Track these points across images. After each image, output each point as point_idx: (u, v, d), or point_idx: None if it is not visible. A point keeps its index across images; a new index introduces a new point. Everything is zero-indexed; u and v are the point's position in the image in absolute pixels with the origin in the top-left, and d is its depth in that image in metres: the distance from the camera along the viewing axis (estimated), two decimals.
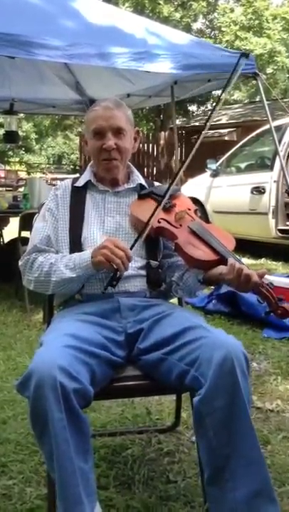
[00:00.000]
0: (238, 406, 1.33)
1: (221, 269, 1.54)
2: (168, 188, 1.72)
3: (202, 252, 1.60)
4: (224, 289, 3.72)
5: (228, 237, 1.69)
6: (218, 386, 1.32)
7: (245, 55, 2.15)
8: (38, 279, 1.66)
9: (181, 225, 1.68)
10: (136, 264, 1.66)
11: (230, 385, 1.32)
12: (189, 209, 1.77)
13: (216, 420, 1.33)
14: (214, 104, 20.22)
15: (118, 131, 1.71)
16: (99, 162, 1.75)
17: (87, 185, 1.79)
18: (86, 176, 1.80)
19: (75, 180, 1.83)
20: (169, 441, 2.06)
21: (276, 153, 5.34)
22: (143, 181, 1.84)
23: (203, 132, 1.80)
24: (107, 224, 1.72)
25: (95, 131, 1.71)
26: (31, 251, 1.71)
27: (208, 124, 1.84)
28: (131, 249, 1.57)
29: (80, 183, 1.80)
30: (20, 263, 1.73)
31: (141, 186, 1.83)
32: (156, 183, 1.91)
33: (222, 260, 1.57)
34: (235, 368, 1.33)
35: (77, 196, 1.77)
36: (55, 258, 1.65)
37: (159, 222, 1.68)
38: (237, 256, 1.61)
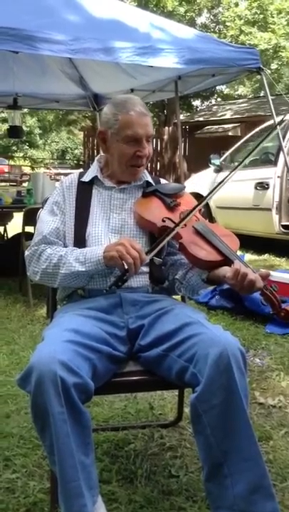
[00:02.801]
0: (235, 403, 1.33)
1: (225, 270, 1.54)
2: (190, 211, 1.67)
3: (206, 253, 1.60)
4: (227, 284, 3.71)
5: (232, 238, 1.69)
6: (214, 383, 1.33)
7: None
8: (45, 271, 1.64)
9: (185, 225, 1.67)
10: (148, 259, 1.65)
11: (226, 381, 1.32)
12: None
13: (213, 417, 1.34)
14: (218, 99, 20.13)
15: (149, 138, 1.72)
16: (126, 166, 1.73)
17: (94, 180, 1.79)
18: (93, 171, 1.80)
19: (81, 174, 1.82)
20: (171, 436, 2.07)
21: (280, 148, 5.32)
22: (150, 178, 1.84)
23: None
24: (113, 221, 1.72)
25: (131, 137, 1.68)
26: (40, 242, 1.69)
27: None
28: (147, 254, 1.56)
29: (86, 178, 1.79)
30: (26, 253, 1.71)
31: (147, 183, 1.83)
32: (163, 181, 1.91)
33: (226, 261, 1.57)
34: (231, 364, 1.33)
35: (84, 191, 1.77)
36: (65, 251, 1.64)
37: (163, 221, 1.68)
38: (240, 252, 1.61)
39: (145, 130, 1.68)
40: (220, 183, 1.72)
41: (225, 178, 1.71)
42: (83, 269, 1.58)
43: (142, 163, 1.73)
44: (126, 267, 1.50)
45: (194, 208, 1.67)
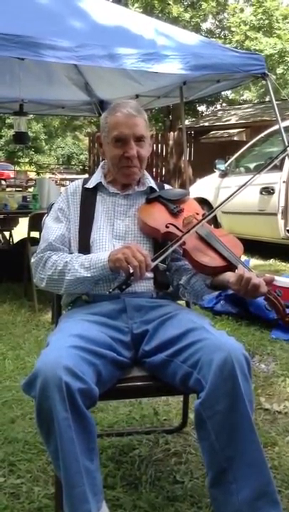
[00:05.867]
0: (239, 409, 1.32)
1: (229, 276, 1.54)
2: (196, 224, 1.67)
3: (210, 258, 1.60)
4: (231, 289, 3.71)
5: (236, 243, 1.68)
6: (219, 389, 1.32)
7: None
8: (51, 277, 1.65)
9: (189, 231, 1.67)
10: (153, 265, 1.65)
11: (230, 387, 1.32)
12: (197, 213, 1.77)
13: (217, 423, 1.33)
14: (223, 104, 20.16)
15: (139, 139, 1.71)
16: (118, 168, 1.74)
17: (98, 186, 1.80)
18: (97, 178, 1.80)
19: (85, 181, 1.83)
20: (176, 441, 2.06)
21: (285, 149, 5.31)
22: (154, 184, 1.84)
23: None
24: (117, 227, 1.73)
25: (117, 138, 1.69)
26: (46, 249, 1.70)
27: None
28: (152, 261, 1.55)
29: (90, 184, 1.80)
30: (32, 260, 1.72)
31: (151, 189, 1.83)
32: (167, 186, 1.91)
33: (229, 266, 1.57)
34: (235, 370, 1.32)
35: (88, 198, 1.78)
36: (70, 257, 1.65)
37: (167, 227, 1.68)
38: (246, 257, 1.61)
39: (132, 130, 1.68)
40: (231, 195, 1.74)
41: (236, 191, 1.72)
42: (88, 275, 1.59)
43: (132, 164, 1.71)
44: (131, 270, 1.50)
45: (204, 219, 1.67)
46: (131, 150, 1.69)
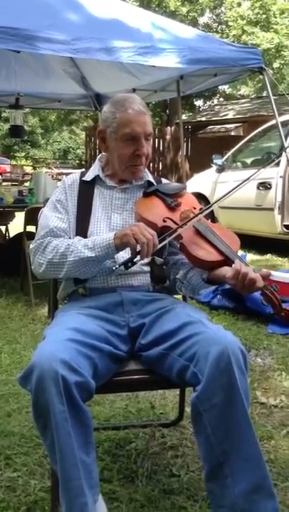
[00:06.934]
0: (236, 402, 1.32)
1: (226, 270, 1.54)
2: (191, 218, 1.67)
3: (206, 253, 1.60)
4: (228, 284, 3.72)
5: (233, 238, 1.68)
6: (215, 383, 1.32)
7: None
8: (51, 261, 1.61)
9: (186, 225, 1.67)
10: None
11: (226, 381, 1.32)
12: (195, 208, 1.77)
13: (214, 417, 1.33)
14: (220, 98, 20.14)
15: (147, 137, 1.70)
16: (126, 166, 1.72)
17: (95, 179, 1.79)
18: (95, 171, 1.79)
19: (83, 173, 1.82)
20: (172, 435, 2.07)
21: (282, 148, 5.31)
22: (151, 178, 1.84)
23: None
24: (114, 220, 1.72)
25: (129, 136, 1.67)
26: (46, 235, 1.66)
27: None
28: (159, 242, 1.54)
29: (88, 177, 1.79)
30: (31, 246, 1.69)
31: (149, 183, 1.83)
32: (164, 180, 1.91)
33: (226, 261, 1.57)
34: (231, 364, 1.32)
35: (86, 191, 1.76)
36: (72, 240, 1.62)
37: (164, 221, 1.68)
38: (242, 252, 1.61)
39: (143, 128, 1.67)
40: (229, 192, 1.74)
41: (234, 189, 1.73)
42: (93, 255, 1.55)
43: (141, 162, 1.71)
44: (138, 248, 1.48)
45: (201, 213, 1.67)
46: (142, 148, 1.68)
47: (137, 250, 1.48)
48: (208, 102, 20.75)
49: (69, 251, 1.58)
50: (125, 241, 1.50)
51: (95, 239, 1.58)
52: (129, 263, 1.50)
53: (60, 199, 1.75)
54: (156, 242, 1.50)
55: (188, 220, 1.63)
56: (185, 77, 5.26)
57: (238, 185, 1.73)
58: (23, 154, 31.13)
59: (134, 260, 1.50)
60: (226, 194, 1.75)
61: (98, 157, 1.86)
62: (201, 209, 1.79)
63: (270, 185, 6.11)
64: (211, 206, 1.75)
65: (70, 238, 1.68)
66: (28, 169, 22.34)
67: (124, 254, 1.60)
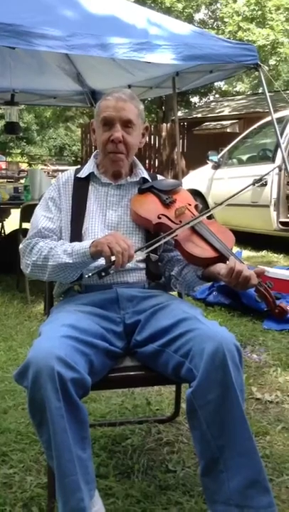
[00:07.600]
0: (230, 398, 1.33)
1: (220, 267, 1.54)
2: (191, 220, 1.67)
3: (201, 249, 1.60)
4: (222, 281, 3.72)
5: (228, 234, 1.69)
6: (210, 379, 1.33)
7: None
8: (35, 263, 1.63)
9: (181, 221, 1.67)
10: (136, 257, 1.65)
11: (221, 377, 1.33)
12: (190, 204, 1.77)
13: (209, 413, 1.34)
14: (216, 95, 20.12)
15: (127, 124, 1.69)
16: (105, 154, 1.73)
17: (90, 176, 1.79)
18: (89, 167, 1.79)
19: (78, 170, 1.82)
20: (168, 431, 2.07)
21: (278, 145, 5.32)
22: (146, 175, 1.83)
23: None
24: (109, 217, 1.72)
25: (104, 120, 1.69)
26: (34, 235, 1.69)
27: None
28: (142, 250, 1.55)
29: (82, 174, 1.79)
30: (20, 246, 1.70)
31: (144, 180, 1.82)
32: (160, 177, 1.91)
33: (221, 258, 1.57)
34: (226, 360, 1.33)
35: (80, 187, 1.76)
36: (55, 244, 1.63)
37: (159, 218, 1.68)
38: (238, 249, 1.62)
39: (119, 113, 1.67)
40: (230, 197, 1.78)
41: (233, 195, 1.76)
42: (70, 261, 1.56)
43: (118, 149, 1.69)
44: (112, 258, 1.47)
45: (200, 216, 1.67)
46: (116, 133, 1.67)
47: (112, 260, 1.47)
48: (204, 99, 20.74)
49: (50, 255, 1.60)
50: (99, 249, 1.50)
51: (74, 245, 1.58)
52: (102, 272, 1.48)
53: (52, 197, 1.76)
54: (131, 253, 1.49)
55: (186, 223, 1.63)
56: (181, 74, 5.25)
57: (237, 193, 1.75)
58: (18, 151, 31.02)
59: (109, 270, 1.48)
60: (226, 199, 1.77)
61: (93, 154, 1.85)
62: (196, 205, 1.80)
63: (265, 182, 6.11)
64: (210, 211, 1.76)
65: (59, 238, 1.70)
66: (24, 166, 22.28)
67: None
